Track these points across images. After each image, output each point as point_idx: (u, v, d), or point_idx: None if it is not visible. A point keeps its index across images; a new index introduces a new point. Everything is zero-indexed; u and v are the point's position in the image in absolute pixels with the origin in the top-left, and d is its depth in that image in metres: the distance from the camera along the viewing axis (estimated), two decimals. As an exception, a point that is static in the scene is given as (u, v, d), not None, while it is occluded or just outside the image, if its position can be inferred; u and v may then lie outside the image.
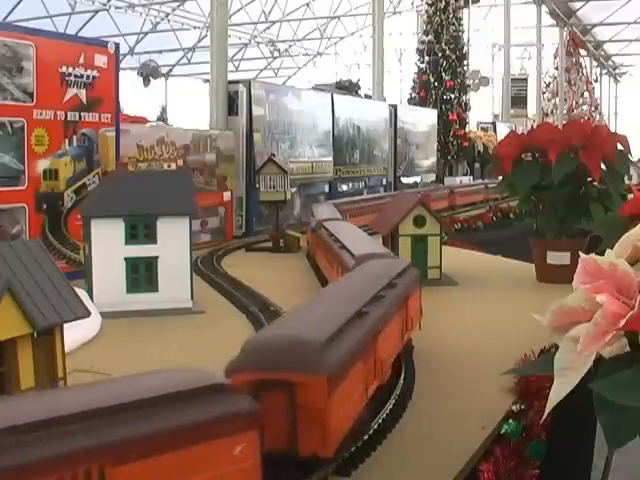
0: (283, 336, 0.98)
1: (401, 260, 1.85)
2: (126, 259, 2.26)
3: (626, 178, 2.86)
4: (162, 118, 13.56)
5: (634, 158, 4.19)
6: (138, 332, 2.12)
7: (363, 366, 1.10)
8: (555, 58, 19.20)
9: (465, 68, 10.25)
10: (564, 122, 11.31)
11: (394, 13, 18.01)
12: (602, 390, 0.75)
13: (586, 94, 20.40)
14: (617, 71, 25.39)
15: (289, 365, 0.91)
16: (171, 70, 20.32)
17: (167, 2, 17.21)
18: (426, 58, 9.96)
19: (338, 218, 3.12)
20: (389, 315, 1.32)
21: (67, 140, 2.87)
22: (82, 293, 1.86)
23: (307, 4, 18.67)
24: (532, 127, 3.96)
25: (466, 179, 9.16)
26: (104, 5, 16.20)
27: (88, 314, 1.38)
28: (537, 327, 0.90)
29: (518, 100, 16.81)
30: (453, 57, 9.86)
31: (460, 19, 10.19)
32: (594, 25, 19.81)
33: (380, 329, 1.23)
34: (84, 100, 2.93)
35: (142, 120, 6.64)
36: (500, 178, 3.21)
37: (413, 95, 10.22)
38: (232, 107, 4.64)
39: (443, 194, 6.48)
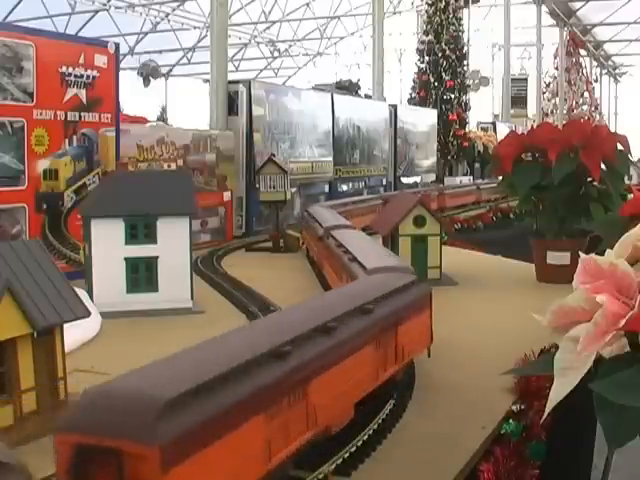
0: (121, 390, 0.78)
1: (407, 275, 1.60)
2: (126, 259, 2.26)
3: (626, 178, 2.86)
4: (162, 118, 13.55)
5: (634, 158, 4.19)
6: (138, 332, 2.12)
7: (268, 420, 0.89)
8: (555, 58, 19.19)
9: (465, 68, 10.25)
10: (564, 122, 11.31)
11: (394, 13, 18.00)
12: (602, 390, 0.75)
13: (586, 94, 20.39)
14: (617, 71, 25.38)
15: (117, 430, 0.72)
16: (171, 70, 20.31)
17: (167, 2, 17.20)
18: (426, 58, 9.97)
19: (347, 225, 2.86)
20: (336, 351, 1.10)
21: (67, 140, 2.87)
22: (82, 293, 1.86)
23: (307, 4, 18.66)
24: (532, 127, 3.96)
25: (466, 179, 9.16)
26: (104, 5, 16.20)
27: (88, 314, 1.38)
28: (537, 327, 0.90)
29: (518, 100, 16.81)
30: (453, 57, 9.86)
31: (460, 19, 10.19)
32: (594, 25, 19.80)
33: (314, 371, 1.02)
34: (84, 100, 2.93)
35: (142, 120, 6.64)
36: (500, 178, 3.21)
37: (413, 95, 10.22)
38: (232, 107, 4.64)
39: (432, 196, 6.21)
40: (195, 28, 18.30)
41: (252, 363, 0.90)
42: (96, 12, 16.39)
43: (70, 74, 2.86)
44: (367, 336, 1.22)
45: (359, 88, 10.51)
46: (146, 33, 18.72)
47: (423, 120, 8.17)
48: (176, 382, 0.80)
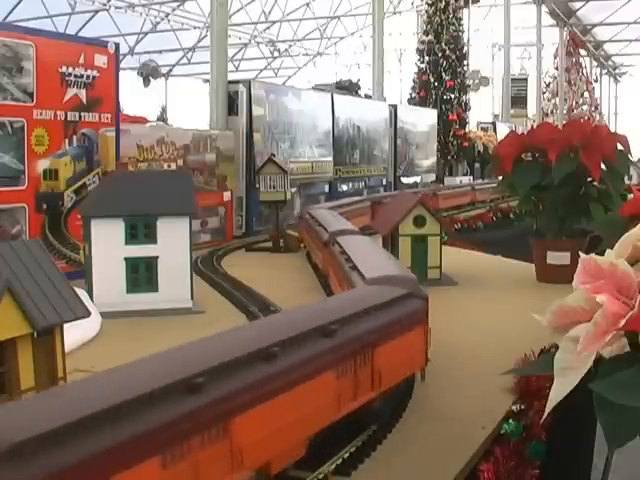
0: None
1: (399, 289, 1.44)
2: (126, 259, 2.26)
3: (626, 178, 2.86)
4: (162, 118, 13.55)
5: (634, 158, 4.19)
6: (138, 332, 2.12)
7: (166, 464, 0.77)
8: (555, 58, 19.19)
9: (465, 68, 10.25)
10: (564, 122, 11.30)
11: (394, 13, 18.00)
12: (602, 390, 0.75)
13: (586, 94, 20.39)
14: (617, 71, 25.38)
15: None
16: (171, 70, 20.31)
17: (167, 2, 17.19)
18: (426, 58, 9.97)
19: (352, 231, 2.73)
20: (276, 380, 0.96)
21: (67, 140, 2.87)
22: (82, 293, 1.86)
23: (307, 4, 18.66)
24: (532, 127, 3.96)
25: (466, 179, 9.16)
26: (104, 5, 16.19)
27: (88, 314, 1.38)
28: (537, 327, 0.90)
29: (518, 100, 16.80)
30: (453, 57, 9.86)
31: (460, 19, 10.19)
32: (594, 25, 19.80)
33: (242, 404, 0.89)
34: (84, 100, 2.93)
35: (142, 120, 6.64)
36: (500, 178, 3.22)
37: (413, 95, 10.22)
38: (232, 107, 4.64)
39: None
40: (195, 28, 18.30)
41: (148, 397, 0.78)
42: (96, 12, 16.38)
43: (70, 74, 2.86)
44: (324, 362, 1.07)
45: (359, 88, 10.51)
46: (146, 33, 18.72)
47: (423, 120, 8.17)
48: (38, 421, 0.68)
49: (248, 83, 4.70)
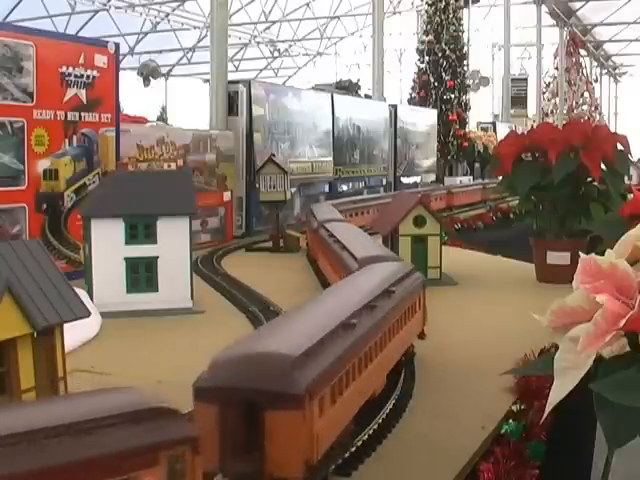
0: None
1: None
2: (126, 259, 2.26)
3: (626, 178, 2.86)
4: (162, 118, 13.54)
5: (634, 158, 4.19)
6: (138, 332, 2.12)
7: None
8: (555, 58, 19.18)
9: (465, 68, 10.25)
10: (564, 122, 11.30)
11: (394, 13, 18.00)
12: (602, 390, 0.75)
13: (586, 94, 20.38)
14: (617, 71, 25.37)
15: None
16: (171, 70, 20.30)
17: (167, 2, 17.19)
18: (426, 58, 9.96)
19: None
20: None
21: (67, 140, 2.87)
22: (82, 293, 1.86)
23: (307, 4, 18.65)
24: (532, 127, 3.96)
25: (466, 179, 9.16)
26: (104, 5, 16.19)
27: (88, 314, 1.38)
28: (537, 327, 0.90)
29: (518, 100, 16.78)
30: (453, 57, 9.86)
31: (460, 19, 10.19)
32: (594, 25, 19.79)
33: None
34: (84, 100, 2.93)
35: (142, 120, 6.63)
36: (500, 178, 3.22)
37: (413, 95, 10.22)
38: (232, 107, 4.64)
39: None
40: (195, 28, 18.30)
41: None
42: (96, 12, 16.39)
43: (70, 74, 2.86)
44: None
45: (359, 88, 10.51)
46: (146, 33, 18.72)
47: (423, 120, 8.17)
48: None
49: (248, 83, 4.70)
